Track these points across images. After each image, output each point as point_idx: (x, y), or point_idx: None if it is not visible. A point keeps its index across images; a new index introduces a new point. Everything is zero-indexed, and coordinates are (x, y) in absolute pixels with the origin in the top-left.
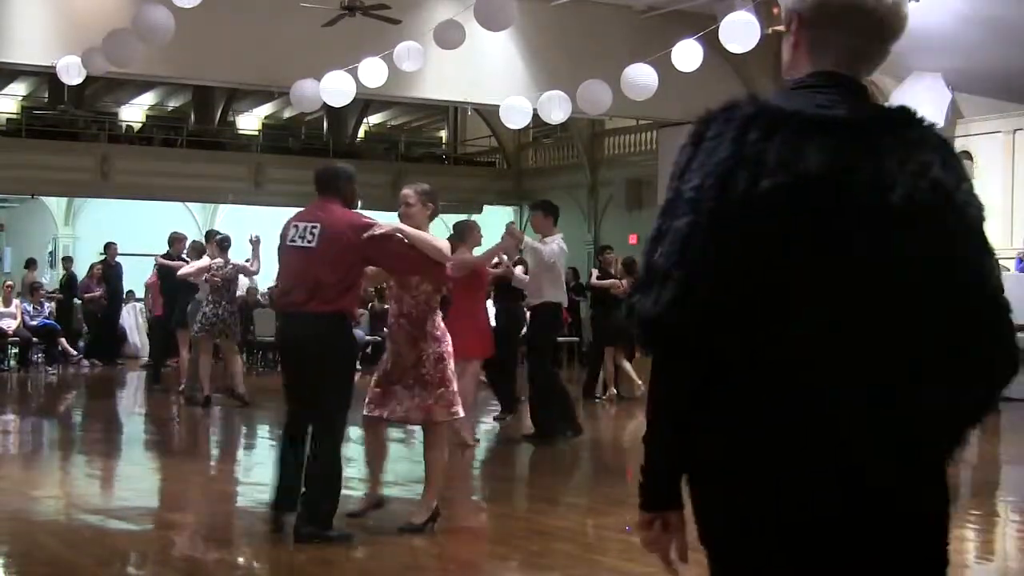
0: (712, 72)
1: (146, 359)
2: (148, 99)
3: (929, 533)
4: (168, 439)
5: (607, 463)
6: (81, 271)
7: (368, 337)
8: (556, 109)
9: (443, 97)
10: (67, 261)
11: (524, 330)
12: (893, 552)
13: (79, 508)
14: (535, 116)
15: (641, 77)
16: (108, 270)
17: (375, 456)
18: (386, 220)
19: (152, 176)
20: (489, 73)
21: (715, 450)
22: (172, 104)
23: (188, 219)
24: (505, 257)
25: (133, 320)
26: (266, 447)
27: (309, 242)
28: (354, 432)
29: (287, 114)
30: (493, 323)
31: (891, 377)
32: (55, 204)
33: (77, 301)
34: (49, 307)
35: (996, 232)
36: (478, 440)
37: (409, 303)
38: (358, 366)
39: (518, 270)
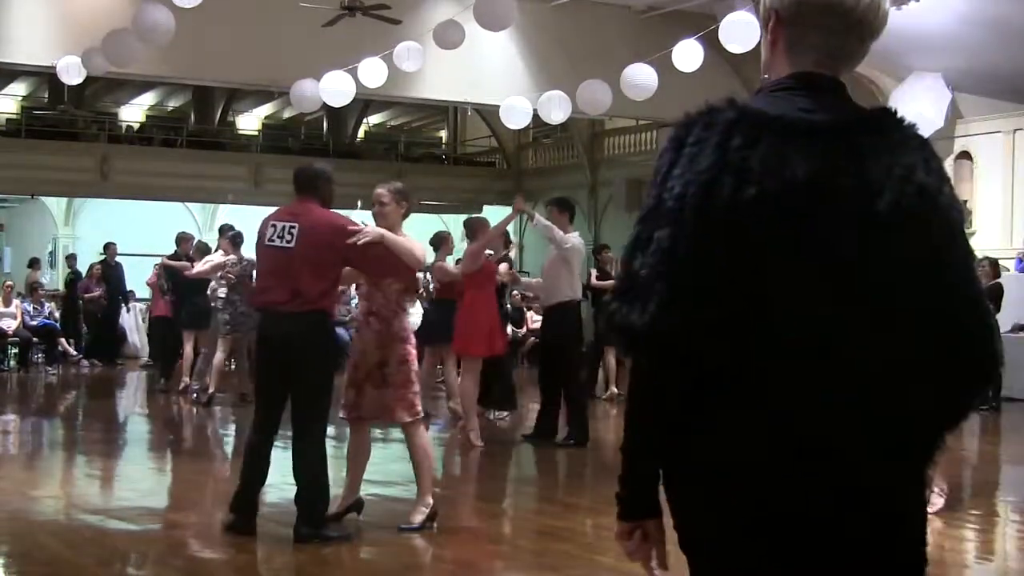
0: (712, 72)
1: (145, 359)
2: (148, 99)
3: (911, 533)
4: (168, 439)
5: (607, 463)
6: (81, 271)
7: None
8: (556, 109)
9: (443, 97)
10: (71, 259)
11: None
12: (879, 553)
13: (79, 508)
14: (535, 116)
15: (641, 77)
16: (108, 270)
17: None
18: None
19: (152, 176)
20: (489, 73)
21: (705, 453)
22: (172, 104)
23: (188, 219)
24: (505, 266)
25: (133, 320)
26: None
27: (288, 242)
28: (340, 433)
29: (287, 114)
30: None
31: (879, 379)
32: (55, 204)
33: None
34: (49, 307)
35: (996, 232)
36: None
37: (379, 301)
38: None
39: (503, 267)
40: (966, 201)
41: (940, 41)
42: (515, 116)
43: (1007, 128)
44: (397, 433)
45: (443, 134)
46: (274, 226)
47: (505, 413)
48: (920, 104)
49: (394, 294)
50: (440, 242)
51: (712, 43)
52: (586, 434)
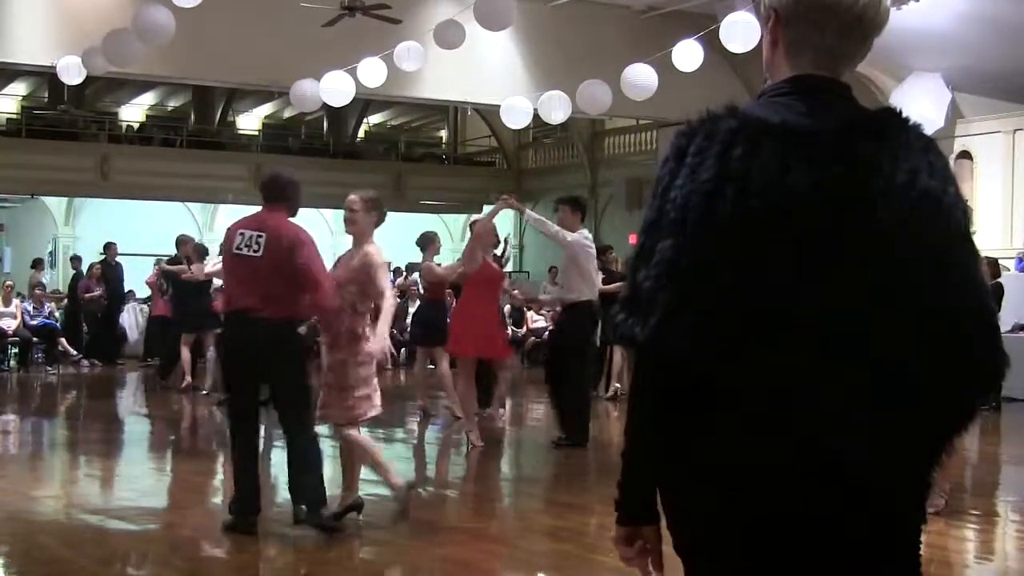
0: (712, 72)
1: (148, 359)
2: (148, 99)
3: (910, 534)
4: (168, 439)
5: (608, 463)
6: (83, 271)
7: None
8: (556, 109)
9: (443, 97)
10: (75, 260)
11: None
12: (878, 554)
13: (79, 508)
14: (535, 116)
15: (641, 77)
16: (108, 270)
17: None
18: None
19: (152, 176)
20: (489, 73)
21: (703, 455)
22: (172, 104)
23: (188, 219)
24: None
25: (133, 320)
26: (266, 447)
27: (255, 251)
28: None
29: (287, 114)
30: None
31: (880, 381)
32: (55, 204)
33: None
34: (49, 307)
35: (996, 232)
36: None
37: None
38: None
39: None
40: (966, 201)
41: (940, 41)
42: (515, 116)
43: (1007, 128)
44: (398, 433)
45: (443, 134)
46: (242, 235)
47: (487, 411)
48: (920, 104)
49: (350, 297)
50: (426, 243)
51: (712, 43)
52: (586, 436)
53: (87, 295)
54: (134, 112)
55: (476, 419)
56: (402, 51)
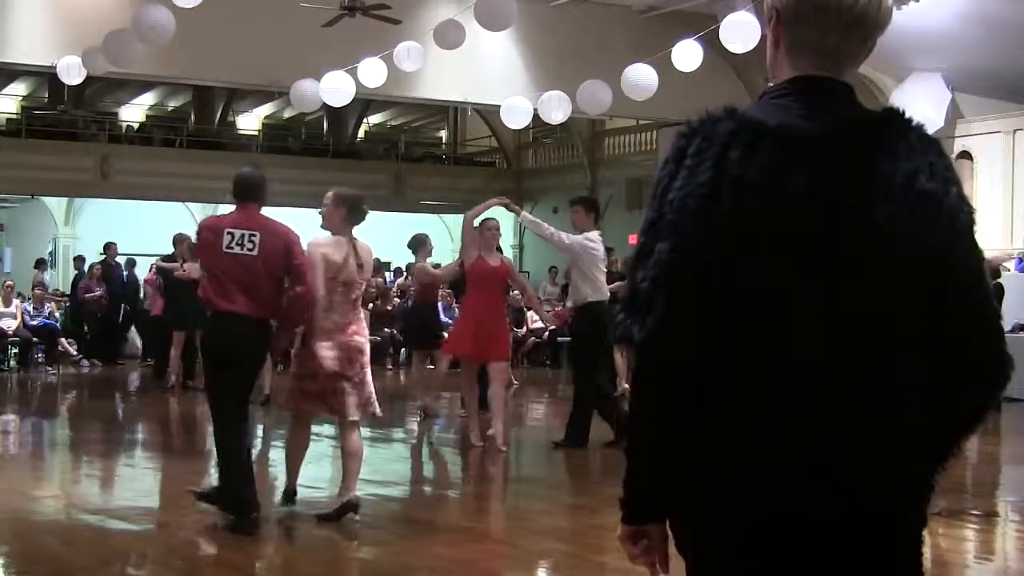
0: (712, 72)
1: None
2: (148, 99)
3: (911, 535)
4: (168, 439)
5: (608, 463)
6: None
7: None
8: (556, 109)
9: (443, 97)
10: (79, 260)
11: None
12: (878, 554)
13: (79, 508)
14: (535, 116)
15: (641, 77)
16: (108, 270)
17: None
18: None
19: (152, 176)
20: (489, 73)
21: (704, 455)
22: (172, 104)
23: (188, 219)
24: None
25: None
26: (266, 446)
27: (250, 250)
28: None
29: (287, 114)
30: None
31: (881, 383)
32: (55, 204)
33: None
34: (49, 307)
35: (996, 232)
36: (483, 444)
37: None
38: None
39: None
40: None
41: (940, 41)
42: (515, 116)
43: (1007, 128)
44: (398, 433)
45: (443, 134)
46: (231, 234)
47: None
48: (920, 104)
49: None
50: (418, 245)
51: (712, 43)
52: (585, 437)
53: (87, 295)
54: (134, 112)
55: (478, 418)
56: (402, 51)
